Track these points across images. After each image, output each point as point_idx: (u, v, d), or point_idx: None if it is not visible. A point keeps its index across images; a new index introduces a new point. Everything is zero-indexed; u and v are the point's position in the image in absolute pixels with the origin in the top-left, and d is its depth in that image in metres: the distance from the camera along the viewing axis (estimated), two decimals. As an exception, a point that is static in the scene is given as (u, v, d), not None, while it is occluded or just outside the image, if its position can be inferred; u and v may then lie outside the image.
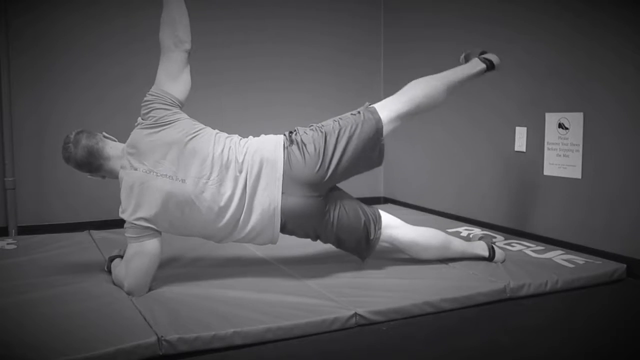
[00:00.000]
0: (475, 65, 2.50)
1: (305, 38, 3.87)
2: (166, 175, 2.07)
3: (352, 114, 2.30)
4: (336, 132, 2.22)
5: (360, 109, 2.31)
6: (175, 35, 2.14)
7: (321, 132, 2.23)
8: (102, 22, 3.33)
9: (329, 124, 2.26)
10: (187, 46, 2.17)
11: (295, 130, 2.26)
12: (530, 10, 2.89)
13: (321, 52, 3.92)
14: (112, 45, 3.36)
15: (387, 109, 2.31)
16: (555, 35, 2.75)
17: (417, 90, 2.37)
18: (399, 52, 3.95)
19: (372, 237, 2.28)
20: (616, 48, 2.49)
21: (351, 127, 2.24)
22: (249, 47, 3.70)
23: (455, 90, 2.46)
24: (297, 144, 2.19)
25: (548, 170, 2.84)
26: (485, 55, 2.53)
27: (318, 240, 2.31)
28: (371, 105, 2.32)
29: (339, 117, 2.29)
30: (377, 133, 2.25)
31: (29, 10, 3.19)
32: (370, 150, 2.26)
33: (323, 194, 2.21)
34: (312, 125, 2.27)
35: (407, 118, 2.34)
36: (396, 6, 3.95)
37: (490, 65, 2.50)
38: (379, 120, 2.26)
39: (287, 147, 2.19)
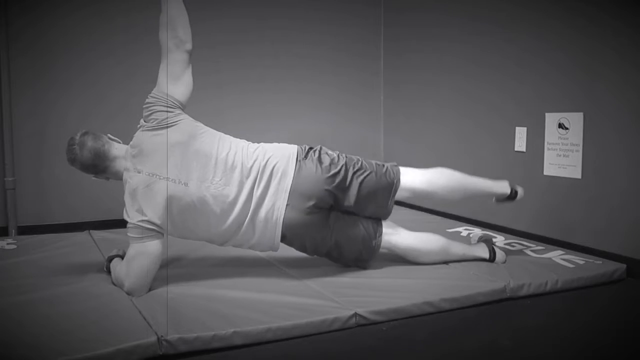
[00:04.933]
0: (503, 186, 2.50)
1: (305, 38, 3.87)
2: (169, 178, 2.07)
3: (377, 163, 2.34)
4: (357, 165, 2.27)
5: (387, 164, 2.35)
6: (175, 35, 2.13)
7: (343, 157, 2.27)
8: (102, 22, 3.33)
9: (352, 157, 2.30)
10: (188, 46, 2.16)
11: (316, 149, 2.27)
12: (530, 10, 2.89)
13: (321, 52, 3.92)
14: (112, 45, 3.36)
15: (409, 177, 2.35)
16: (556, 34, 2.75)
17: (440, 179, 2.40)
18: (399, 52, 3.94)
19: (373, 243, 2.29)
20: (616, 48, 2.49)
21: (371, 171, 2.28)
22: (249, 46, 3.70)
23: (471, 197, 2.51)
24: (313, 160, 2.21)
25: (548, 170, 2.84)
26: (516, 187, 2.53)
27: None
28: (396, 166, 2.36)
29: (364, 158, 2.33)
30: (392, 190, 2.30)
31: (29, 11, 3.18)
32: (380, 204, 2.30)
33: (325, 209, 2.22)
34: (335, 151, 2.30)
35: (418, 195, 2.38)
36: (396, 6, 3.95)
37: (514, 195, 2.50)
38: (398, 180, 2.32)
39: (299, 161, 2.19)
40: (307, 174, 2.17)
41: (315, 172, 2.18)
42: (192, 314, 1.83)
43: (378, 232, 2.31)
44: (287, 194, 2.15)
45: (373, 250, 2.31)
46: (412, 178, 2.36)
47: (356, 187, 2.24)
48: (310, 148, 2.27)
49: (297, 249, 2.30)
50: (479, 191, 2.47)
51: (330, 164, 2.22)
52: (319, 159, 2.23)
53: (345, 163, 2.26)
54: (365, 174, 2.28)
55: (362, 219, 2.30)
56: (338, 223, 2.25)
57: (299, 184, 2.16)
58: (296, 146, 2.26)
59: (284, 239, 2.22)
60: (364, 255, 2.31)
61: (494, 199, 2.57)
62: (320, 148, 2.28)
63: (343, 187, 2.23)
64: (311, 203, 2.16)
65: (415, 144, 3.82)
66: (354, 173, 2.26)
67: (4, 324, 1.76)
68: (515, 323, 1.97)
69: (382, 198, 2.30)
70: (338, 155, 2.27)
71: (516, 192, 2.50)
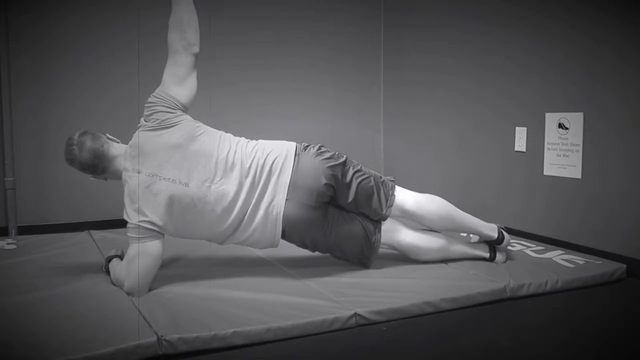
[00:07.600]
0: (491, 229, 2.47)
1: (306, 38, 3.87)
2: (169, 178, 2.07)
3: (375, 172, 2.35)
4: (357, 167, 2.28)
5: (384, 177, 2.36)
6: (184, 37, 2.13)
7: (343, 156, 2.27)
8: (102, 22, 3.33)
9: (352, 160, 2.30)
10: (196, 49, 2.16)
11: (316, 145, 2.27)
12: (530, 10, 2.89)
13: (321, 52, 3.92)
14: (111, 45, 3.35)
15: (402, 195, 2.36)
16: (555, 35, 2.75)
17: (431, 205, 2.39)
18: (399, 52, 3.94)
19: (372, 239, 2.29)
20: (616, 48, 2.49)
21: (370, 176, 2.29)
22: (249, 47, 3.70)
23: (457, 230, 2.51)
24: (312, 153, 2.21)
25: (548, 170, 2.84)
26: (504, 233, 2.49)
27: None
28: (393, 181, 2.38)
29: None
30: (387, 200, 2.31)
31: (29, 11, 3.18)
32: (376, 208, 2.29)
33: (325, 203, 2.22)
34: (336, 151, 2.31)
35: (406, 214, 2.37)
36: (396, 6, 3.95)
37: (500, 240, 2.46)
38: (393, 194, 2.32)
39: (298, 154, 2.19)
40: (307, 167, 2.17)
41: (314, 164, 2.18)
42: (192, 314, 1.83)
43: (377, 229, 2.31)
44: (286, 189, 2.15)
45: (373, 246, 2.31)
46: (403, 197, 2.36)
47: (355, 186, 2.24)
48: (308, 145, 2.27)
49: (297, 244, 2.29)
50: (466, 227, 2.45)
51: (330, 157, 2.22)
52: (319, 151, 2.23)
53: (346, 160, 2.26)
54: (365, 176, 2.28)
55: (360, 216, 2.30)
56: (337, 219, 2.25)
57: (298, 177, 2.16)
58: (294, 143, 2.26)
59: (283, 234, 2.21)
60: (365, 252, 2.31)
61: (472, 237, 2.55)
62: (320, 145, 2.28)
63: (343, 181, 2.22)
64: (311, 196, 2.16)
65: (415, 144, 3.82)
66: (355, 172, 2.26)
67: (4, 324, 1.76)
68: (515, 323, 1.97)
69: (377, 203, 2.29)
70: (338, 153, 2.27)
71: (503, 238, 2.47)
